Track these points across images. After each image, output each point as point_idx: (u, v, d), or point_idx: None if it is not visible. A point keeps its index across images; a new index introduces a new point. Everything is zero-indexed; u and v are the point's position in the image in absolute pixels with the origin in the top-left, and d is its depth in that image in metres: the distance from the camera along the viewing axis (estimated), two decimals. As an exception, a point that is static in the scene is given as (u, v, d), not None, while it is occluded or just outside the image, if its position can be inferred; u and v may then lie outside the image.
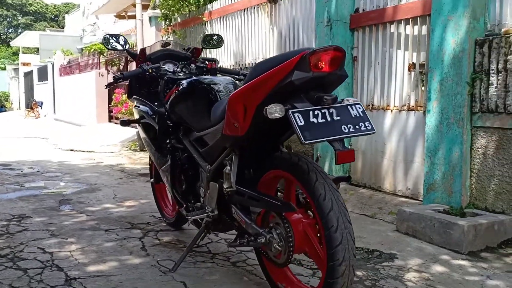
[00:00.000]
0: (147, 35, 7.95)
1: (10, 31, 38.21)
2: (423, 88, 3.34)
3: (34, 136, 10.22)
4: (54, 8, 37.96)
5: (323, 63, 1.54)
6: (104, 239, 2.73)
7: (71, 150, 7.51)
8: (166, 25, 7.01)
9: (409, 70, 3.42)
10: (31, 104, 18.71)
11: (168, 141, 2.46)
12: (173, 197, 2.53)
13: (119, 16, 10.91)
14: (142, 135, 2.72)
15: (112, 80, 2.54)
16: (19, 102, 23.99)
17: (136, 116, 2.75)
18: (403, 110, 3.48)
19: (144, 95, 2.75)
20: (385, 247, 2.66)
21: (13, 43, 27.16)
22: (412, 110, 3.42)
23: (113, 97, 7.65)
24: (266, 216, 1.85)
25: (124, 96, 7.18)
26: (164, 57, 2.74)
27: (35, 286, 2.05)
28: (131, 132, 8.52)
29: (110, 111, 11.39)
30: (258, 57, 5.30)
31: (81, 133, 10.05)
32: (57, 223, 3.08)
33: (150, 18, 7.70)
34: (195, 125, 2.27)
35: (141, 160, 6.24)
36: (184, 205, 2.41)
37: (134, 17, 9.85)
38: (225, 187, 1.87)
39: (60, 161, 6.10)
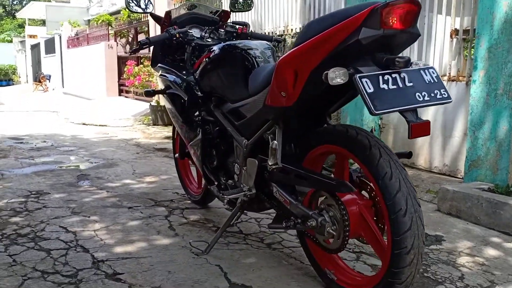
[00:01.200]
0: (159, 3, 7.64)
1: (15, 2, 37.65)
2: (466, 56, 3.09)
3: (44, 109, 10.07)
4: (59, -21, 37.21)
5: (395, 18, 1.31)
6: (129, 217, 2.58)
7: (83, 124, 7.35)
8: (179, -8, 6.70)
9: (451, 36, 3.17)
10: (39, 78, 18.52)
11: (197, 113, 2.26)
12: (202, 174, 2.35)
13: (128, -15, 10.51)
14: (168, 106, 2.52)
15: (137, 46, 2.32)
16: (27, 76, 23.80)
17: (162, 86, 2.54)
18: (443, 80, 3.23)
19: (169, 63, 2.54)
20: (429, 228, 2.48)
21: (19, 15, 26.76)
22: (453, 80, 3.18)
23: (124, 69, 7.41)
24: (315, 196, 1.67)
25: (137, 68, 6.95)
26: (190, 21, 2.52)
27: (61, 269, 1.90)
28: (143, 106, 8.34)
29: (120, 85, 11.20)
30: (279, 25, 5.02)
31: (92, 107, 9.89)
32: (77, 199, 2.93)
33: (161, -15, 7.37)
34: (229, 96, 2.07)
35: (156, 134, 6.07)
36: (216, 183, 2.23)
37: (144, -15, 9.50)
38: (270, 163, 1.67)
39: (73, 135, 5.94)
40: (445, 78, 3.22)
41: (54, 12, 19.42)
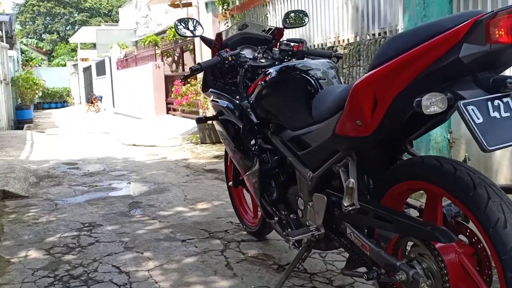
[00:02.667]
0: (203, 22, 7.61)
1: (67, 28, 39.69)
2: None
3: (97, 131, 10.32)
4: (108, 3, 38.93)
5: (502, 30, 1.05)
6: (183, 253, 2.41)
7: (134, 145, 7.40)
8: (224, 10, 6.63)
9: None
10: (91, 99, 19.22)
11: (253, 141, 2.07)
12: (260, 206, 2.14)
13: (174, 5, 10.68)
14: (222, 132, 2.35)
15: (189, 72, 2.17)
16: (80, 97, 24.83)
17: (213, 112, 2.38)
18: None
19: (220, 87, 2.38)
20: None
21: (71, 40, 28.10)
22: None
23: (172, 89, 7.42)
24: (403, 242, 1.41)
25: (184, 88, 6.93)
26: (242, 41, 2.35)
27: (114, 319, 1.75)
28: (191, 124, 8.32)
29: (167, 103, 11.32)
30: (329, 36, 4.78)
31: (141, 127, 10.03)
32: (129, 232, 2.81)
33: (206, 3, 7.35)
34: (290, 122, 1.86)
35: (204, 154, 5.97)
36: (276, 218, 2.02)
37: (189, 4, 9.59)
38: (345, 204, 1.44)
39: (124, 158, 5.95)
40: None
41: (103, 35, 20.17)
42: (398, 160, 1.55)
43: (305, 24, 2.48)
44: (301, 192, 1.82)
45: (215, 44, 2.34)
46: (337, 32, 4.66)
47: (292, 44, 2.28)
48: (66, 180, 4.54)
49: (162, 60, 11.62)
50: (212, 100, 2.37)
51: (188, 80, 7.28)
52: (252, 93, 2.07)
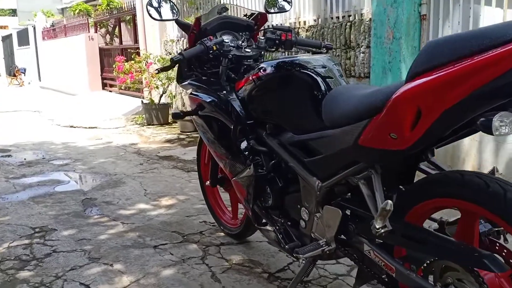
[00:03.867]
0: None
1: (-20, -9, 35.73)
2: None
3: (24, 108, 9.41)
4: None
5: None
6: (159, 263, 2.18)
7: (71, 126, 6.80)
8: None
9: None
10: (13, 71, 17.57)
11: (246, 142, 1.86)
12: (250, 212, 1.96)
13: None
14: (204, 130, 2.11)
15: (170, 63, 1.89)
16: (-1, 69, 22.65)
17: (192, 107, 2.13)
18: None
19: (199, 78, 2.12)
20: None
21: (-14, 5, 25.28)
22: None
23: (114, 66, 6.87)
24: (435, 265, 1.30)
25: (128, 65, 6.43)
26: (220, 26, 2.10)
27: None
28: (133, 102, 7.82)
29: (103, 78, 10.58)
30: (289, 16, 4.59)
31: (76, 105, 9.29)
32: (90, 238, 2.51)
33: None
34: (293, 125, 1.68)
35: (154, 138, 5.62)
36: (272, 227, 1.85)
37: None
38: (377, 226, 1.30)
39: (64, 143, 5.44)
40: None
41: (25, 1, 18.36)
42: (416, 169, 1.44)
43: (289, 9, 2.28)
44: (305, 202, 1.66)
45: (193, 29, 2.07)
46: (297, 12, 4.48)
47: (279, 32, 2.07)
48: (1, 172, 4.03)
49: (96, 31, 10.78)
50: (191, 94, 2.12)
51: (132, 57, 6.78)
52: (242, 88, 1.85)
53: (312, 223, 1.63)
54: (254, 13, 2.20)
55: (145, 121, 6.64)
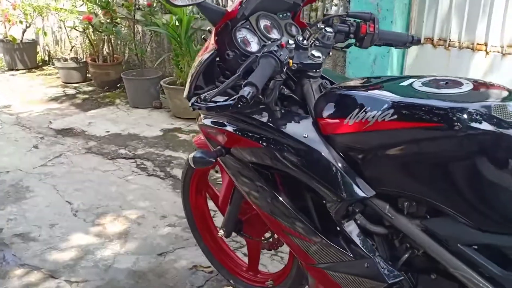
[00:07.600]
0: None
1: None
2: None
3: None
4: None
5: None
6: None
7: None
8: None
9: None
10: None
11: (354, 224, 1.16)
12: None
13: None
14: (248, 187, 1.32)
15: (235, 101, 1.02)
16: None
17: (213, 146, 1.31)
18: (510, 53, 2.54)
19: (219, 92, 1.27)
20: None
21: None
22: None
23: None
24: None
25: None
26: (259, 7, 1.28)
27: None
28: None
29: None
30: None
31: None
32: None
33: None
34: (480, 217, 1.01)
35: (32, 94, 4.24)
36: None
37: None
38: None
39: None
40: None
41: None
42: None
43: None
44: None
45: (229, 17, 1.18)
46: None
47: (357, 21, 1.32)
48: None
49: None
50: (216, 124, 1.27)
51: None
52: (351, 136, 1.10)
53: None
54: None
55: (5, 65, 5.03)
